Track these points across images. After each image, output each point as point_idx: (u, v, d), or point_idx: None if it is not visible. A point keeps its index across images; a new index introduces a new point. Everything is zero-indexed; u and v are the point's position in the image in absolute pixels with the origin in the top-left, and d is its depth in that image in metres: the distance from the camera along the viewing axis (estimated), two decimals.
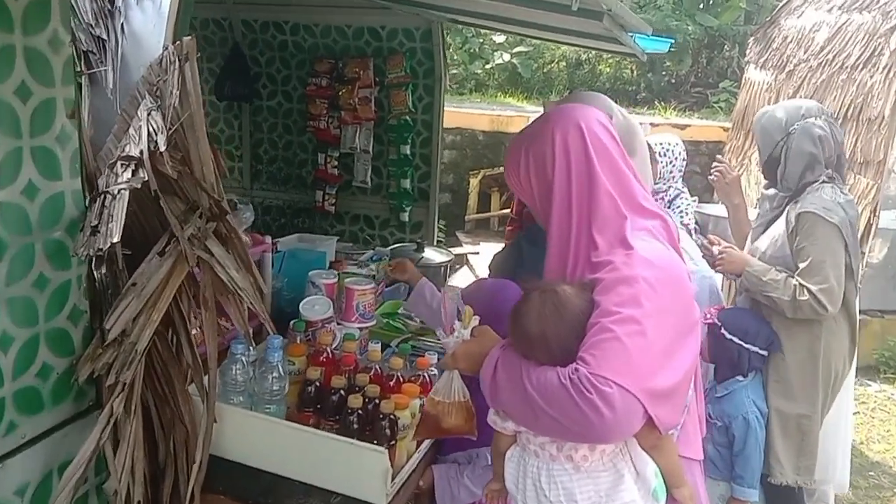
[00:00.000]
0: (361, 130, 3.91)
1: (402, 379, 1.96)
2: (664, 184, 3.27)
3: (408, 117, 3.81)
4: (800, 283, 2.48)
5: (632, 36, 2.35)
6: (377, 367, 2.01)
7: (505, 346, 1.43)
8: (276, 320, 2.40)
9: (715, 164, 3.03)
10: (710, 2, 11.50)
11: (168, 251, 1.56)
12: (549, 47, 11.18)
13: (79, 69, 1.63)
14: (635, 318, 1.28)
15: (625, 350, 1.25)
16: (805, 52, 5.37)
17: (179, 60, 1.56)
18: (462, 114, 8.11)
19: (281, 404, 1.92)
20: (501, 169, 6.39)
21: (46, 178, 1.43)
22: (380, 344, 2.16)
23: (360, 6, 3.58)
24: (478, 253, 6.63)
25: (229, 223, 1.64)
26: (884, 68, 4.66)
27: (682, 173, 3.32)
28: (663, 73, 11.60)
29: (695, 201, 3.50)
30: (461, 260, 6.51)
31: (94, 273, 1.56)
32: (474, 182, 7.79)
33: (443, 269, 3.38)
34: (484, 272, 3.42)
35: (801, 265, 2.50)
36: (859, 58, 4.86)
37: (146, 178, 1.48)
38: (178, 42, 1.57)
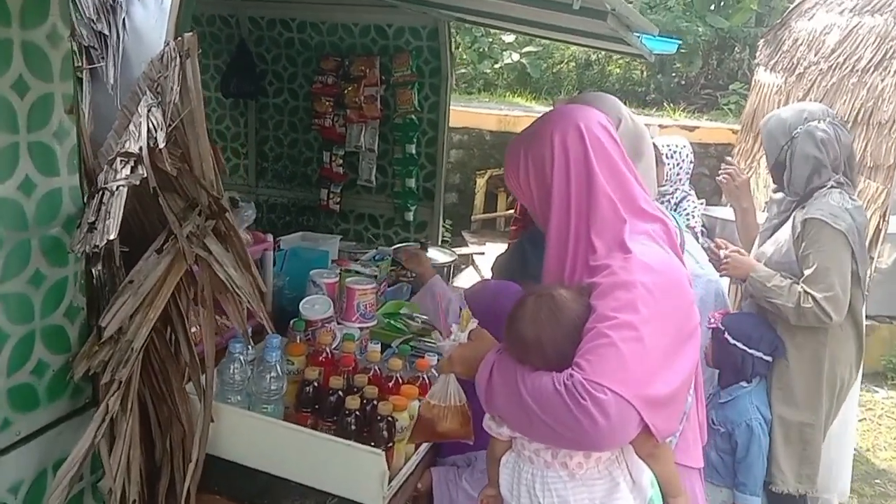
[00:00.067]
0: (367, 129, 3.90)
1: (401, 380, 1.94)
2: (671, 186, 3.24)
3: (413, 116, 3.79)
4: (804, 291, 2.45)
5: (638, 36, 2.32)
6: (376, 367, 1.99)
7: (501, 350, 1.41)
8: (278, 319, 2.39)
9: (724, 165, 3.00)
10: (721, 3, 11.44)
11: (166, 248, 1.55)
12: (558, 47, 11.15)
13: (79, 64, 1.62)
14: (632, 324, 1.26)
15: (620, 356, 1.23)
16: (816, 55, 5.32)
17: (180, 56, 1.55)
18: (470, 113, 8.09)
19: (279, 404, 1.91)
20: None
21: (43, 174, 1.42)
22: (379, 344, 2.14)
23: (367, 4, 3.56)
24: (483, 253, 6.62)
25: (228, 221, 1.63)
26: (895, 72, 4.62)
27: (689, 176, 3.29)
28: (673, 74, 11.55)
29: (702, 204, 3.47)
30: (467, 260, 6.51)
31: (92, 270, 1.56)
32: (481, 182, 7.77)
33: (446, 269, 3.36)
34: (489, 273, 3.41)
35: (807, 272, 2.47)
36: (870, 61, 4.81)
37: (145, 175, 1.47)
38: (179, 38, 1.56)
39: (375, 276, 2.76)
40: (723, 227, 3.93)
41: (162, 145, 1.47)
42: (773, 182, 2.78)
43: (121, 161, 1.53)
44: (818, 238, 2.45)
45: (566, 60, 11.89)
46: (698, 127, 8.18)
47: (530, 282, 1.57)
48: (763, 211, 3.08)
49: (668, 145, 3.23)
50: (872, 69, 4.78)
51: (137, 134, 1.53)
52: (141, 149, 1.48)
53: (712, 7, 11.31)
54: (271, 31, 3.96)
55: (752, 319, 2.64)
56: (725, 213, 4.09)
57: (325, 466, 1.74)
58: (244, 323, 1.69)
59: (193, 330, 1.74)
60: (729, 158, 3.64)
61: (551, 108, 2.14)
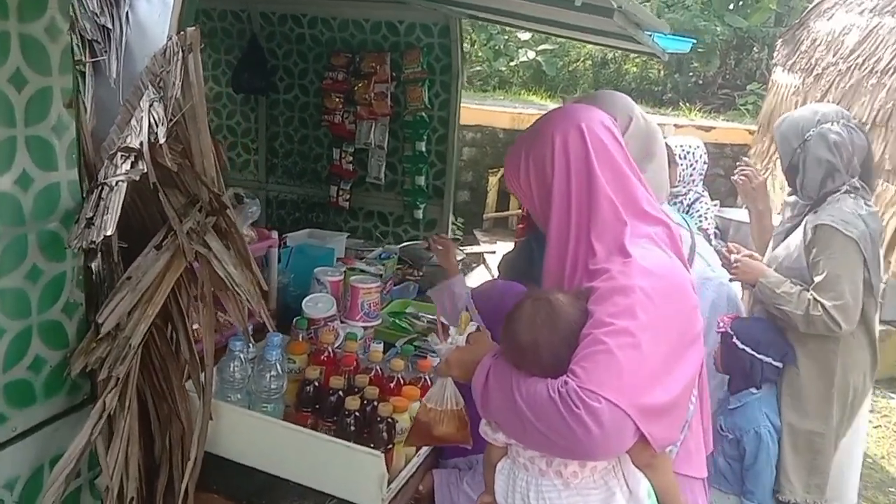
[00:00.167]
0: (376, 126, 3.88)
1: (402, 381, 1.92)
2: (684, 187, 3.20)
3: (424, 113, 3.76)
4: (814, 298, 2.39)
5: (651, 35, 2.28)
6: (378, 367, 1.97)
7: (497, 354, 1.38)
8: (282, 317, 2.38)
9: (740, 166, 2.93)
10: (740, 3, 11.33)
11: (165, 245, 1.54)
12: (574, 46, 11.09)
13: (82, 58, 1.61)
14: (629, 330, 1.22)
15: (616, 363, 1.20)
16: (834, 56, 5.25)
17: (183, 51, 1.53)
18: (483, 111, 8.06)
19: (279, 403, 1.89)
20: None
21: (41, 169, 1.41)
22: (382, 344, 2.12)
23: (379, 0, 3.54)
24: (494, 252, 6.59)
25: (229, 218, 1.61)
26: None
27: (702, 177, 3.24)
28: (690, 73, 11.46)
29: (716, 205, 3.42)
30: (478, 259, 6.48)
31: (90, 266, 1.54)
32: (493, 180, 7.73)
33: None
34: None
35: (817, 279, 2.40)
36: (890, 62, 4.73)
37: (145, 170, 1.46)
38: (181, 32, 1.54)
39: (381, 275, 2.75)
40: (737, 229, 3.87)
41: (162, 140, 1.46)
42: (788, 185, 2.72)
43: (121, 156, 1.51)
44: (829, 245, 2.39)
45: (582, 59, 11.83)
46: (714, 127, 8.10)
47: (535, 282, 1.54)
48: (778, 213, 3.02)
49: (681, 146, 3.19)
50: (892, 70, 4.70)
51: (139, 128, 1.51)
52: (141, 144, 1.47)
53: (731, 6, 11.22)
54: (282, 26, 3.95)
55: (762, 324, 2.59)
56: (739, 214, 4.03)
57: (323, 467, 1.73)
58: (244, 321, 1.67)
59: (196, 327, 1.73)
60: (745, 159, 3.57)
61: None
